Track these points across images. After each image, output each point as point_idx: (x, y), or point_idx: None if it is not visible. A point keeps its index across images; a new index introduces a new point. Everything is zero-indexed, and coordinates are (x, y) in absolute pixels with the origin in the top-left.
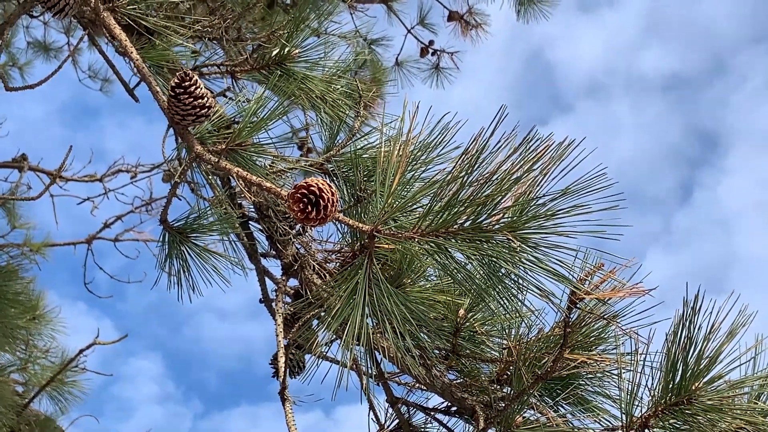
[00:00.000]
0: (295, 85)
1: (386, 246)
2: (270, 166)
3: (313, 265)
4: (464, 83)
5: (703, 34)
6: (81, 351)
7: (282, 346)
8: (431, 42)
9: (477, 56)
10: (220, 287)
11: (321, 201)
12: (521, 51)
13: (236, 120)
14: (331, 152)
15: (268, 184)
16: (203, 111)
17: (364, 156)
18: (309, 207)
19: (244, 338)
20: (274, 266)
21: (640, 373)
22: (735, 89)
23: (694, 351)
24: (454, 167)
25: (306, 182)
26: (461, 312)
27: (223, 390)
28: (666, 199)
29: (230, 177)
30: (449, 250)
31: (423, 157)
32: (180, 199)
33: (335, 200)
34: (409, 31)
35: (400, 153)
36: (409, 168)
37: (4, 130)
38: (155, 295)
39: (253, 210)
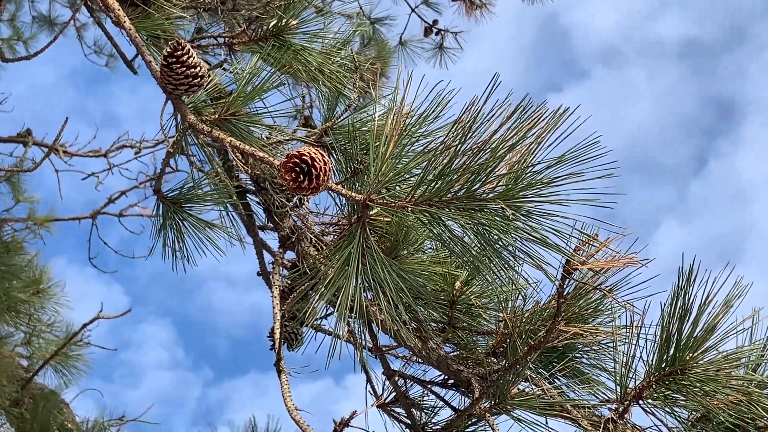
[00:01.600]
0: (291, 55)
1: (382, 218)
2: (267, 138)
3: (310, 238)
4: (473, 53)
5: (722, 1)
6: (84, 325)
7: (278, 318)
8: (435, 21)
9: (487, 24)
10: (215, 258)
11: (313, 170)
12: (534, 17)
13: (232, 91)
14: (329, 124)
15: (261, 154)
16: (196, 81)
17: (362, 129)
18: (301, 176)
19: (254, 306)
20: (271, 239)
21: (635, 345)
22: (753, 58)
23: (688, 321)
24: (447, 136)
25: (298, 151)
26: (458, 284)
27: (233, 357)
28: (681, 169)
29: (226, 149)
30: (443, 219)
31: (418, 128)
32: (173, 170)
33: (328, 169)
34: (413, 10)
35: (394, 122)
36: (403, 138)
37: (9, 104)
38: (164, 262)
39: (250, 183)
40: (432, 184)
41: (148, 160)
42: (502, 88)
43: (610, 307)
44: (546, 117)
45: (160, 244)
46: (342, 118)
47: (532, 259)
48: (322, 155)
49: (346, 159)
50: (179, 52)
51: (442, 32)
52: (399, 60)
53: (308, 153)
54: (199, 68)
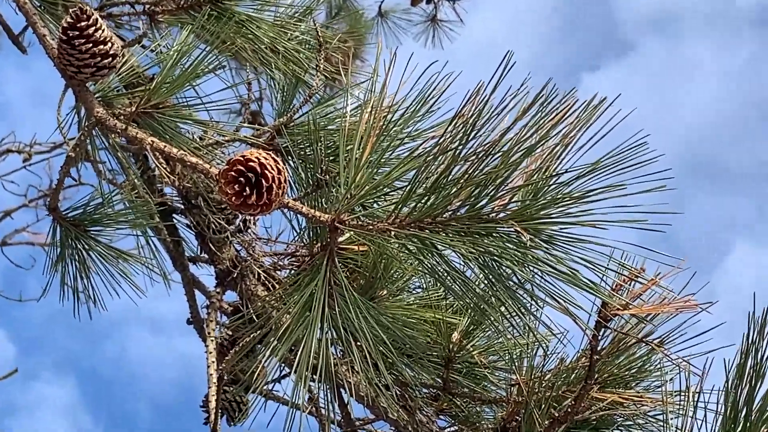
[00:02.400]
0: (234, 29)
1: (355, 247)
2: (201, 139)
3: (258, 273)
4: (477, 27)
5: None
6: None
7: (214, 381)
8: None
9: None
10: (131, 299)
11: (263, 181)
12: None
13: (154, 76)
14: (283, 120)
15: (194, 159)
16: (106, 61)
17: (328, 127)
18: (247, 189)
19: (187, 358)
20: (206, 275)
21: (693, 418)
22: None
23: (761, 387)
24: (443, 135)
25: (243, 156)
26: (456, 335)
27: (158, 427)
28: (758, 175)
29: (145, 150)
30: (437, 247)
31: (404, 127)
32: (76, 183)
33: (282, 180)
34: None
35: (372, 118)
36: (384, 139)
37: None
38: (62, 304)
39: (177, 199)
40: (423, 200)
41: (42, 170)
42: (517, 71)
43: (659, 366)
44: (576, 110)
45: (57, 280)
46: (302, 113)
47: (557, 301)
48: (276, 161)
49: (306, 167)
50: (83, 24)
51: (436, 1)
52: (378, 37)
53: (256, 158)
54: (110, 45)
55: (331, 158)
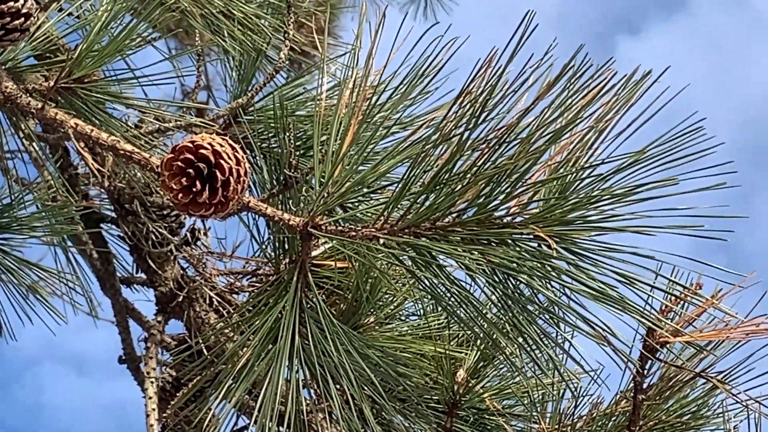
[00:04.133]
0: None
1: (333, 263)
2: (136, 125)
3: (210, 296)
4: None
5: None
6: None
7: None
8: None
9: None
10: (49, 329)
11: (218, 173)
12: None
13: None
14: (240, 102)
15: (129, 147)
16: (16, 22)
17: (297, 113)
18: (197, 183)
19: (119, 404)
20: (143, 300)
21: None
22: None
23: None
24: (445, 118)
25: (192, 142)
26: (461, 374)
27: None
28: None
29: (66, 140)
30: (437, 258)
31: (393, 111)
32: None
33: (243, 172)
34: None
35: (354, 100)
36: (368, 125)
37: None
38: None
39: (107, 202)
40: (419, 200)
41: None
42: (539, 38)
43: (722, 408)
44: (613, 86)
45: None
46: (263, 94)
47: (591, 327)
48: (233, 149)
49: (270, 162)
50: None
51: None
52: (356, 6)
53: (209, 144)
54: (22, 1)
55: (300, 151)
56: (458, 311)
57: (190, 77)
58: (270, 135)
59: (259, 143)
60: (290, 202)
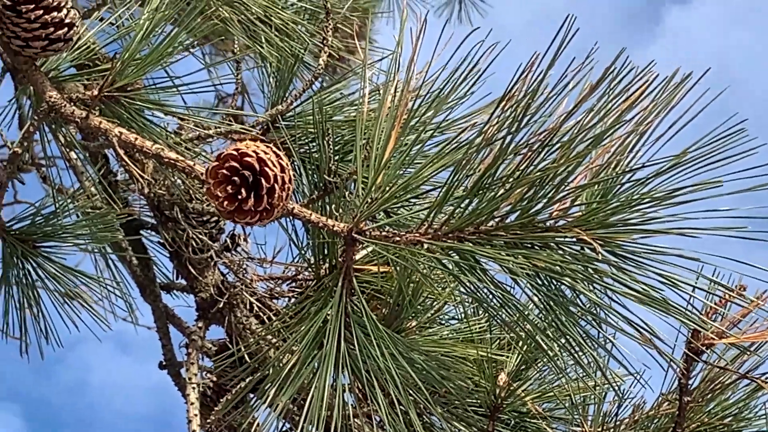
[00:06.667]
0: None
1: (374, 268)
2: (176, 132)
3: (250, 302)
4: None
5: None
6: None
7: None
8: None
9: None
10: (93, 333)
11: (263, 180)
12: None
13: (117, 54)
14: (281, 108)
15: (173, 155)
16: (60, 32)
17: (334, 118)
18: (243, 191)
19: (163, 386)
20: (183, 307)
21: None
22: None
23: None
24: (487, 123)
25: (237, 149)
26: (503, 377)
27: None
28: None
29: (107, 148)
30: (480, 262)
31: (434, 114)
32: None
33: (287, 179)
34: None
35: (396, 105)
36: (411, 130)
37: None
38: (5, 341)
39: (146, 209)
40: (463, 204)
41: None
42: (586, 11)
43: (764, 409)
44: (654, 87)
45: None
46: (301, 100)
47: (635, 328)
48: (278, 156)
49: (309, 168)
50: None
51: None
52: (390, 11)
53: (254, 152)
54: (65, 11)
55: (339, 156)
56: (501, 313)
57: (225, 83)
58: (307, 140)
59: (297, 148)
60: (330, 207)
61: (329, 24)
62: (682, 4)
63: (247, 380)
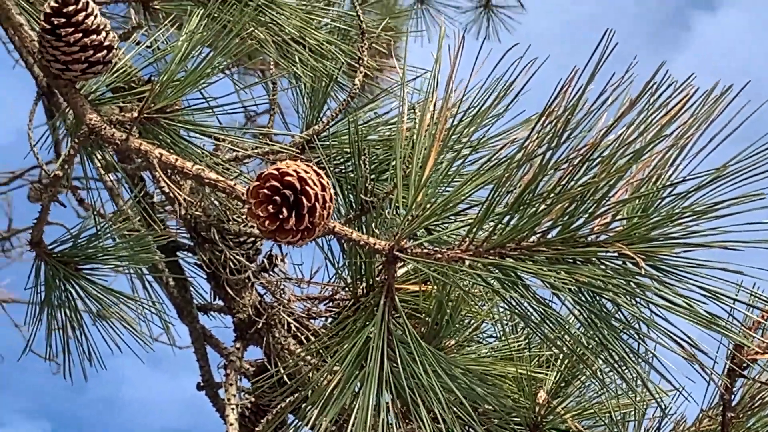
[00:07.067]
0: (251, 14)
1: (414, 287)
2: (212, 153)
3: (288, 322)
4: (543, 10)
5: None
6: None
7: None
8: None
9: None
10: (135, 354)
11: (304, 200)
12: None
13: (152, 76)
14: (317, 128)
15: (214, 176)
16: (99, 54)
17: (368, 137)
18: (284, 210)
19: (194, 398)
20: (220, 328)
21: None
22: None
23: None
24: (528, 139)
25: (278, 169)
26: (542, 395)
27: None
28: None
29: (144, 169)
30: (522, 278)
31: (476, 129)
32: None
33: (328, 198)
34: None
35: (435, 122)
36: (450, 147)
37: None
38: (49, 364)
39: (184, 232)
40: (504, 220)
41: None
42: (613, 17)
43: None
44: (694, 102)
45: (41, 330)
46: (336, 119)
47: (677, 343)
48: (318, 175)
49: (345, 187)
50: (71, 8)
51: None
52: (421, 30)
53: (294, 171)
54: (104, 34)
55: (374, 175)
56: (542, 328)
57: (261, 104)
58: (344, 158)
59: (332, 168)
60: (369, 226)
61: (364, 44)
62: (710, 10)
63: (287, 401)
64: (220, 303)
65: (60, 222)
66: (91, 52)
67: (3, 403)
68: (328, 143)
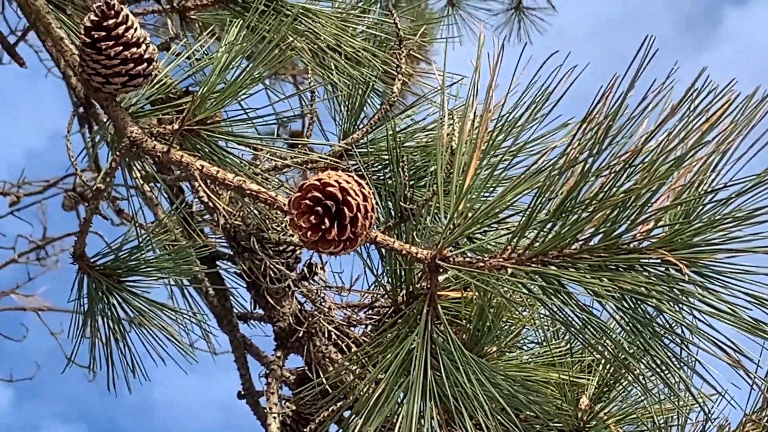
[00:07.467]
0: (289, 24)
1: (457, 294)
2: (250, 163)
3: (329, 331)
4: (575, 12)
5: None
6: None
7: None
8: None
9: None
10: (178, 364)
11: (346, 210)
12: None
13: (190, 88)
14: (354, 137)
15: (255, 186)
16: (140, 67)
17: (406, 144)
18: (326, 221)
19: (230, 398)
20: (261, 337)
21: None
22: None
23: None
24: (569, 146)
25: (319, 180)
26: (584, 401)
27: None
28: None
29: (183, 180)
30: (565, 285)
31: (517, 137)
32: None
33: (370, 208)
34: None
35: (476, 130)
36: (490, 155)
37: None
38: (92, 379)
39: (223, 241)
40: (546, 228)
41: (33, 215)
42: (643, 14)
43: None
44: (735, 107)
45: (85, 343)
46: (375, 127)
47: (723, 349)
48: (360, 185)
49: (383, 195)
50: (111, 22)
51: None
52: (449, 30)
53: (336, 182)
54: (144, 47)
55: (413, 182)
56: (584, 333)
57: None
58: (382, 166)
59: (370, 175)
60: (409, 233)
61: (402, 51)
62: (741, 5)
63: (330, 410)
64: (261, 312)
65: (97, 231)
66: (131, 65)
67: (40, 407)
68: (365, 150)
